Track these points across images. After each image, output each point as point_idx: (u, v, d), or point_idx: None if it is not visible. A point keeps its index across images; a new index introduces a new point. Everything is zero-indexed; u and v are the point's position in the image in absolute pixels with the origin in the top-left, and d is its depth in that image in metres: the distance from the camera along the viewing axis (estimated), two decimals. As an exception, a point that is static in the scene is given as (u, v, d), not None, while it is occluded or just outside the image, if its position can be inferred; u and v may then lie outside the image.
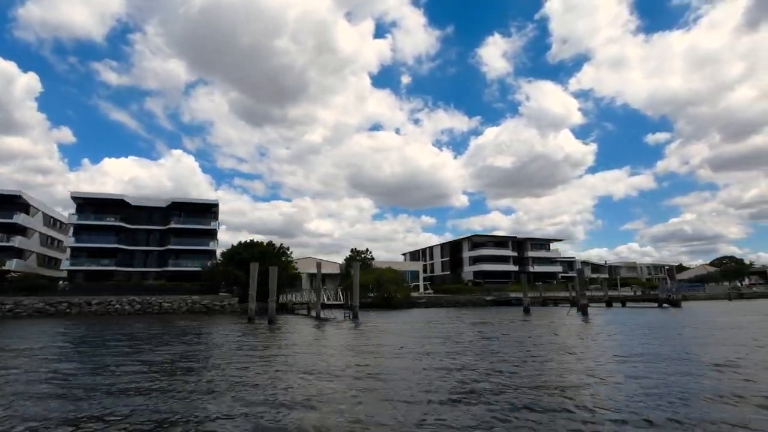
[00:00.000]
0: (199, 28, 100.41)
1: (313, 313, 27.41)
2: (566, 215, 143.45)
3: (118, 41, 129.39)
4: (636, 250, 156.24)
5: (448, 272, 72.70)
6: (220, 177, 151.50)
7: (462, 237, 71.26)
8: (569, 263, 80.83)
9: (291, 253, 53.91)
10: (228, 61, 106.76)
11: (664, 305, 34.40)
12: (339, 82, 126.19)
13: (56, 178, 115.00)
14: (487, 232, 74.18)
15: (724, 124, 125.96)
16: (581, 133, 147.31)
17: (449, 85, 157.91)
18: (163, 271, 48.24)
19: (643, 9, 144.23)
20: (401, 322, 23.17)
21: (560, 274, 75.74)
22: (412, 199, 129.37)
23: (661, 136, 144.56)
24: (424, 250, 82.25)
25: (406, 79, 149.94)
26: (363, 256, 59.27)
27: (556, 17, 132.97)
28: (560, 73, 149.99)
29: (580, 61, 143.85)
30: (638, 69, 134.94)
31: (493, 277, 65.42)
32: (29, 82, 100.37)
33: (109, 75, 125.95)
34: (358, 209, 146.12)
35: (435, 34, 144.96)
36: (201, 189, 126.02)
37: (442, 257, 75.37)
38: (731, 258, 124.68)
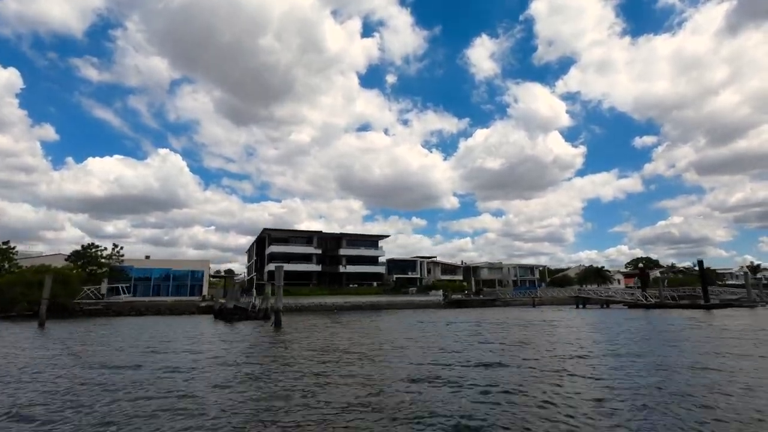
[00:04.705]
0: (180, 25, 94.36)
1: None
2: (556, 218, 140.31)
3: (99, 37, 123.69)
4: (625, 253, 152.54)
5: (255, 273, 62.50)
6: (208, 177, 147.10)
7: (264, 230, 60.83)
8: (412, 264, 70.41)
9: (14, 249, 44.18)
10: (210, 59, 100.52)
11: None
12: (325, 82, 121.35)
13: (40, 177, 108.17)
14: (287, 225, 64.16)
15: (709, 128, 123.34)
16: (570, 136, 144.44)
17: (438, 85, 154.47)
18: None
19: (629, 12, 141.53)
20: None
21: (395, 276, 65.47)
22: (402, 201, 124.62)
23: (648, 140, 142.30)
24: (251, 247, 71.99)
25: (394, 80, 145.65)
26: (101, 252, 48.52)
27: (541, 19, 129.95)
28: (547, 75, 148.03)
29: (566, 63, 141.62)
30: (624, 72, 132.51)
31: (288, 278, 54.97)
32: (9, 77, 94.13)
33: (90, 71, 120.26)
34: (348, 210, 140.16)
35: (422, 34, 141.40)
36: (189, 189, 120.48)
37: (254, 255, 65.15)
38: (647, 259, 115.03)
